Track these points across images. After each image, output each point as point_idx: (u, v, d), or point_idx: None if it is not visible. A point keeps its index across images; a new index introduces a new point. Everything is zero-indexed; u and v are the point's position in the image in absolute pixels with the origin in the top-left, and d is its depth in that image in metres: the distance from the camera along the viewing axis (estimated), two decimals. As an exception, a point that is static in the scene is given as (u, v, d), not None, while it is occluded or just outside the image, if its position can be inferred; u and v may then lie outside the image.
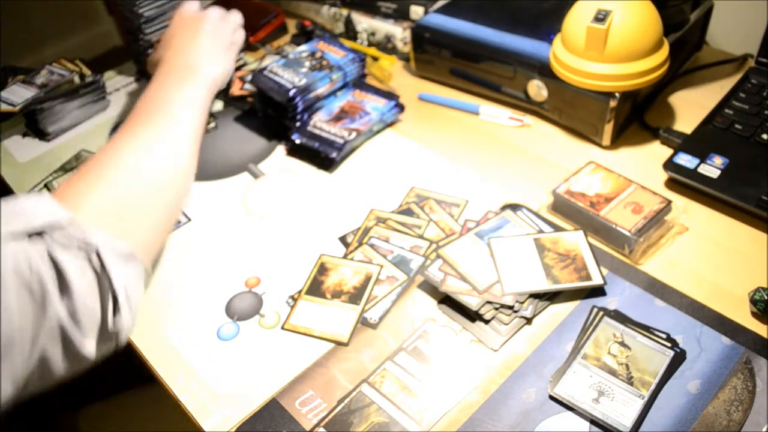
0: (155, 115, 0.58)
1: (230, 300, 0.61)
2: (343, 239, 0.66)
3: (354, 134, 0.75)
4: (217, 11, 0.73)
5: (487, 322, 0.56)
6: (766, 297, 0.53)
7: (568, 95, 0.72)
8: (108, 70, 0.96)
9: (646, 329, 0.53)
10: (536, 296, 0.57)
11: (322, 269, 0.62)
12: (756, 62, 0.76)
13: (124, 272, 0.45)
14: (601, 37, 0.65)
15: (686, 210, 0.63)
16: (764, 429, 0.46)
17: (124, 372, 0.85)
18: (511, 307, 0.56)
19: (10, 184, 0.79)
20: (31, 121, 0.84)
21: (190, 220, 0.70)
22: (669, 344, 0.52)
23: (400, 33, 0.92)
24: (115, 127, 0.85)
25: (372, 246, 0.64)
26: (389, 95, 0.80)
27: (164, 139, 0.56)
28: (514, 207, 0.66)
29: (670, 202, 0.62)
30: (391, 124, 0.80)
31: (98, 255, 0.43)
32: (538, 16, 0.80)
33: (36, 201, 0.44)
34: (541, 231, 0.63)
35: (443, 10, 0.86)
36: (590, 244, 0.60)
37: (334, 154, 0.74)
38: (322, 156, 0.75)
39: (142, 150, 0.54)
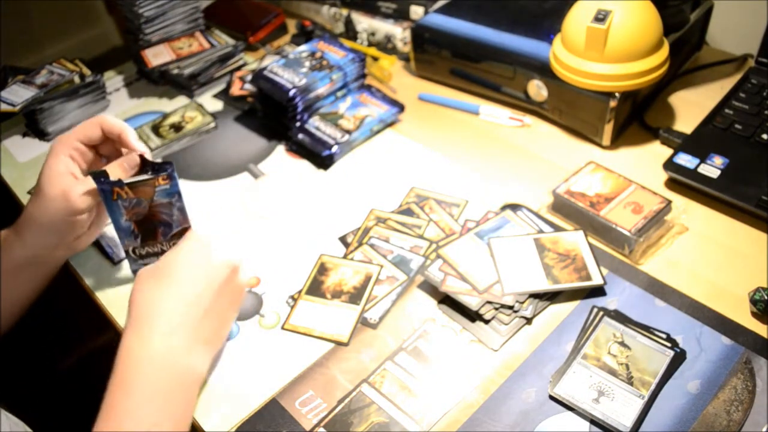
0: None
1: (230, 300, 0.61)
2: (343, 239, 0.66)
3: (346, 135, 0.75)
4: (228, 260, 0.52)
5: (487, 322, 0.56)
6: (766, 297, 0.53)
7: (568, 95, 0.72)
8: (108, 70, 0.96)
9: (646, 329, 0.53)
10: (536, 296, 0.57)
11: (322, 269, 0.62)
12: (756, 62, 0.76)
13: None
14: (601, 37, 0.65)
15: (686, 210, 0.63)
16: (764, 429, 0.46)
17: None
18: (511, 307, 0.56)
19: (10, 184, 0.79)
20: (31, 121, 0.84)
21: (190, 220, 0.70)
22: (669, 344, 0.52)
23: (400, 33, 0.92)
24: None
25: (372, 246, 0.64)
26: (395, 103, 0.81)
27: None
28: (514, 207, 0.66)
29: (670, 202, 0.62)
30: (391, 124, 0.80)
31: None
32: (538, 16, 0.80)
33: None
34: (541, 231, 0.63)
35: (443, 10, 0.86)
36: (590, 244, 0.60)
37: (326, 153, 0.74)
38: (316, 154, 0.75)
39: None
